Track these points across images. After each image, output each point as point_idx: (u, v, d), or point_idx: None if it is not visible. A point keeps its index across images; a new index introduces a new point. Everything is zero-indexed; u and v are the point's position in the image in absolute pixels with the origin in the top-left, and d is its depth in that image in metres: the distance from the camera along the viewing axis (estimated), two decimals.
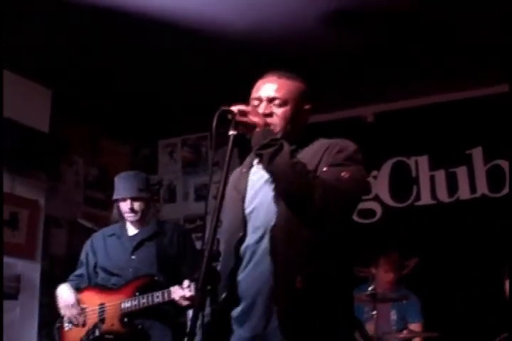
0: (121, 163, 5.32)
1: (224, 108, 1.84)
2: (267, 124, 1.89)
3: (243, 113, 1.85)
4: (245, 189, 2.02)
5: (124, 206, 3.34)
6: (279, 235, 1.87)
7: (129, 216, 3.34)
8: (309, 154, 1.96)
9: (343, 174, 1.88)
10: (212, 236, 1.65)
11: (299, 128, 2.04)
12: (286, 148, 1.85)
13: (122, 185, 3.36)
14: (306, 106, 2.08)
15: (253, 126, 1.86)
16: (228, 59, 3.98)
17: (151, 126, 5.22)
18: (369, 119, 4.87)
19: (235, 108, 1.85)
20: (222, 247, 1.99)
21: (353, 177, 1.89)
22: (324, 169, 1.90)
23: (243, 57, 3.92)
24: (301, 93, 2.07)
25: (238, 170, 2.12)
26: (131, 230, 3.39)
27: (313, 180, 1.82)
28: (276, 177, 1.85)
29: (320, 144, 2.00)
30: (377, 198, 4.89)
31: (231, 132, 1.80)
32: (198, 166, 5.39)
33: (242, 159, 2.10)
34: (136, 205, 3.32)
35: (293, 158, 1.84)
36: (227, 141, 1.80)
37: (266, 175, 1.94)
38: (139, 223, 3.39)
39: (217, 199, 1.70)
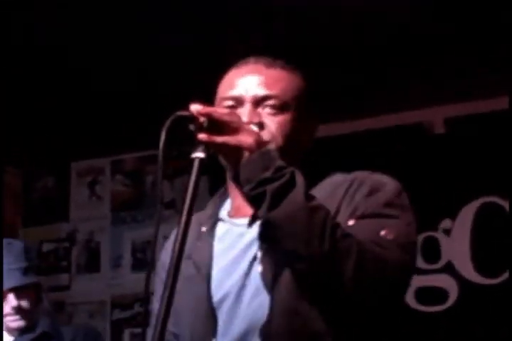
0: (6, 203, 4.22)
1: (181, 113, 1.48)
2: (262, 143, 1.53)
3: (219, 124, 1.47)
4: (209, 261, 1.66)
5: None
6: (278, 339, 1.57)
7: (11, 321, 2.96)
8: (320, 198, 1.60)
9: (383, 233, 1.54)
10: (159, 332, 1.33)
11: (301, 151, 1.71)
12: (301, 182, 1.50)
13: None
14: (314, 115, 1.73)
15: (237, 149, 1.50)
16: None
17: (56, 138, 4.45)
18: (436, 129, 4.12)
19: (202, 113, 1.48)
20: None
21: (399, 240, 1.56)
22: (350, 223, 1.57)
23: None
24: (306, 92, 1.73)
25: (191, 225, 1.60)
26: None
27: (345, 239, 1.49)
28: (282, 233, 1.51)
29: (334, 184, 1.66)
30: (450, 269, 3.89)
31: (196, 154, 1.46)
32: (140, 209, 4.52)
33: (213, 193, 1.81)
34: (24, 302, 2.94)
35: (310, 199, 1.50)
36: (190, 166, 1.48)
37: (247, 235, 1.61)
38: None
39: (172, 265, 1.39)
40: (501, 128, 4.00)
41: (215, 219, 1.74)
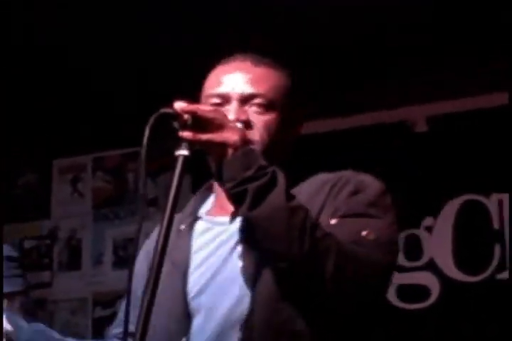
0: None
1: (165, 110, 1.45)
2: (247, 141, 1.52)
3: (203, 122, 1.45)
4: (186, 258, 1.63)
5: None
6: (258, 336, 1.53)
7: None
8: (303, 198, 1.56)
9: (364, 234, 1.54)
10: (141, 331, 1.33)
11: (285, 150, 1.69)
12: (282, 182, 1.48)
13: None
14: (299, 114, 1.72)
15: (222, 146, 1.48)
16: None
17: (38, 133, 4.44)
18: (418, 128, 4.06)
19: (186, 111, 1.45)
20: None
21: (380, 241, 1.54)
22: (332, 222, 1.56)
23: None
24: (293, 92, 1.72)
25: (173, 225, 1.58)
26: None
27: (325, 239, 1.48)
28: (262, 233, 1.49)
29: (319, 182, 1.64)
30: (432, 267, 3.85)
31: (180, 151, 1.45)
32: (121, 205, 4.46)
33: (196, 191, 1.78)
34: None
35: (291, 199, 1.48)
36: (173, 163, 1.46)
37: (227, 231, 1.59)
38: None
39: (154, 262, 1.38)
40: (484, 127, 3.98)
41: (194, 217, 1.72)
